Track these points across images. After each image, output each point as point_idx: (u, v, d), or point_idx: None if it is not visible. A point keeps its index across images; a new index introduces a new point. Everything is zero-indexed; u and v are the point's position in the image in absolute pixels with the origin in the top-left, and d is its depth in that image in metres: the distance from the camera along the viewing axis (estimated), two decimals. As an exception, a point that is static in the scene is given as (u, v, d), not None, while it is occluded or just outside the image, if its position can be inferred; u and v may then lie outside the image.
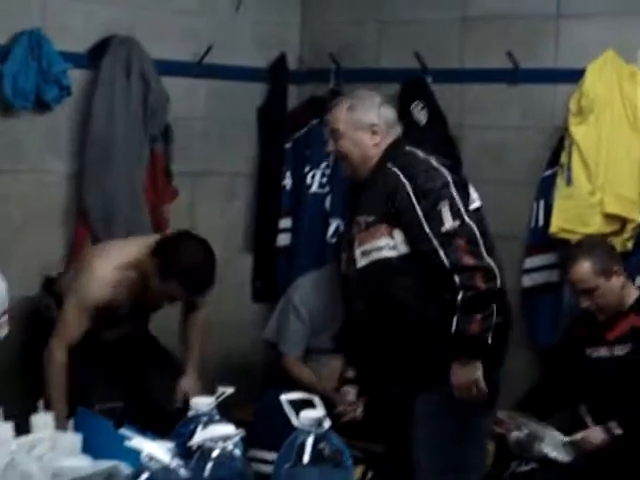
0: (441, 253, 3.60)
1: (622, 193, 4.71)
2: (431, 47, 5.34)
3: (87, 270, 4.43)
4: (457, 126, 5.29)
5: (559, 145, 4.93)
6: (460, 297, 3.58)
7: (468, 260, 3.61)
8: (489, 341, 3.63)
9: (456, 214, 3.63)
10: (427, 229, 3.61)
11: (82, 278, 4.43)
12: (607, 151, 4.78)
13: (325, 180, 5.51)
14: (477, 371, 3.65)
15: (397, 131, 3.89)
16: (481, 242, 3.65)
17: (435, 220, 3.62)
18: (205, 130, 5.51)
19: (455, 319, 3.57)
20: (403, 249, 3.68)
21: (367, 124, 3.79)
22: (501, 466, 4.36)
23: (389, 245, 3.68)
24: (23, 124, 4.85)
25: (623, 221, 4.75)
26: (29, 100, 4.74)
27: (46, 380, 4.20)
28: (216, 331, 5.15)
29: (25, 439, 2.58)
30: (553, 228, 4.89)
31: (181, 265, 4.23)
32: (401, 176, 3.67)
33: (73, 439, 2.69)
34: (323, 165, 5.50)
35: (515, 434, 4.45)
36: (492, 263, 3.65)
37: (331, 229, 5.41)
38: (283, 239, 5.43)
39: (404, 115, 5.10)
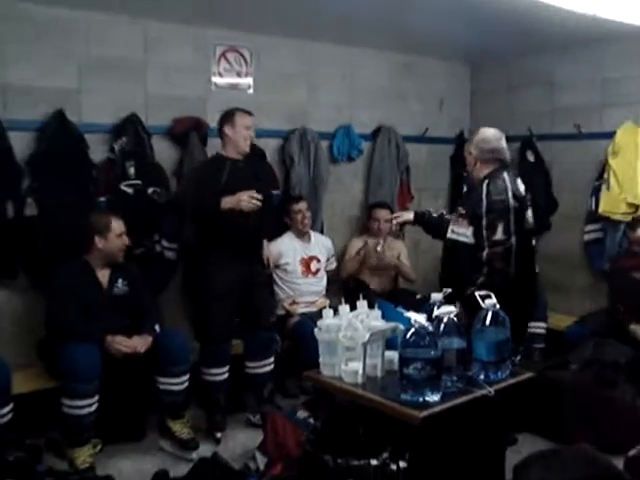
0: (486, 249, 3.03)
1: (635, 193, 4.85)
2: (536, 123, 5.54)
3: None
4: (549, 162, 5.56)
5: (602, 169, 5.16)
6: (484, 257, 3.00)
7: (497, 264, 3.03)
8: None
9: (505, 232, 3.04)
10: (485, 234, 3.07)
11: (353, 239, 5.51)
12: (626, 172, 4.89)
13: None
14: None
15: (497, 157, 3.27)
16: (514, 255, 3.05)
17: (491, 230, 3.05)
18: (425, 167, 6.15)
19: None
20: (471, 240, 3.11)
21: (469, 152, 3.35)
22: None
23: (466, 234, 3.13)
24: (342, 168, 5.67)
25: (636, 207, 4.85)
26: (344, 156, 5.64)
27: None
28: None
29: (355, 312, 2.61)
30: (600, 210, 5.02)
31: None
32: (484, 193, 3.15)
33: (377, 312, 2.67)
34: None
35: None
36: (512, 269, 3.05)
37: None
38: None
39: (523, 156, 5.58)
